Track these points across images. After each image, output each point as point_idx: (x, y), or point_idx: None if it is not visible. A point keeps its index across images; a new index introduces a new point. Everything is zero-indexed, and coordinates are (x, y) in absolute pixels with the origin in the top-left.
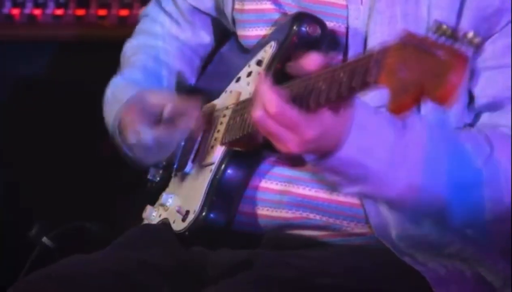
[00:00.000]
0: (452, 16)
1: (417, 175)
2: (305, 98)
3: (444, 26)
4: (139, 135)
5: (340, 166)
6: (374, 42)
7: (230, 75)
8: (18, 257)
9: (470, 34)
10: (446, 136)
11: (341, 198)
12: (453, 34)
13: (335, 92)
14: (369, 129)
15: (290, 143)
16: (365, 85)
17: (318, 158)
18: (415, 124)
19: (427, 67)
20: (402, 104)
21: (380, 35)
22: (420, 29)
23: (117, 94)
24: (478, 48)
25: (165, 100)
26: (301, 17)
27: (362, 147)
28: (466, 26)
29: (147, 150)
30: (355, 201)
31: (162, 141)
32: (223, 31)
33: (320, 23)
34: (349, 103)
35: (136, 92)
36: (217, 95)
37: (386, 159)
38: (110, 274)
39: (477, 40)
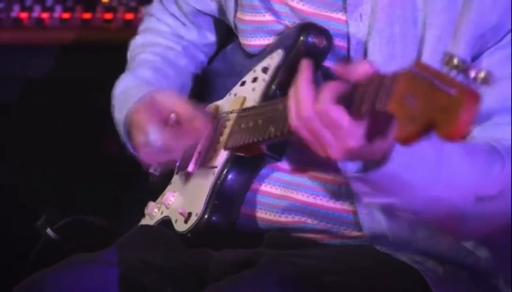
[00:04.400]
0: (446, 35)
1: (444, 189)
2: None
3: (455, 60)
4: (147, 136)
5: (380, 179)
6: (374, 60)
7: (234, 75)
8: (24, 248)
9: (482, 74)
10: (468, 147)
11: (337, 205)
12: (464, 68)
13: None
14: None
15: (331, 148)
16: (373, 110)
17: (360, 170)
18: None
19: (437, 101)
20: (409, 134)
21: (379, 53)
22: (416, 49)
23: (128, 93)
24: (488, 84)
25: (176, 103)
26: (308, 28)
27: (403, 162)
28: (462, 45)
29: (153, 151)
30: (350, 208)
31: (169, 144)
32: (229, 30)
33: (326, 35)
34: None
35: (147, 92)
36: (220, 94)
37: (419, 174)
38: (113, 274)
39: (488, 78)
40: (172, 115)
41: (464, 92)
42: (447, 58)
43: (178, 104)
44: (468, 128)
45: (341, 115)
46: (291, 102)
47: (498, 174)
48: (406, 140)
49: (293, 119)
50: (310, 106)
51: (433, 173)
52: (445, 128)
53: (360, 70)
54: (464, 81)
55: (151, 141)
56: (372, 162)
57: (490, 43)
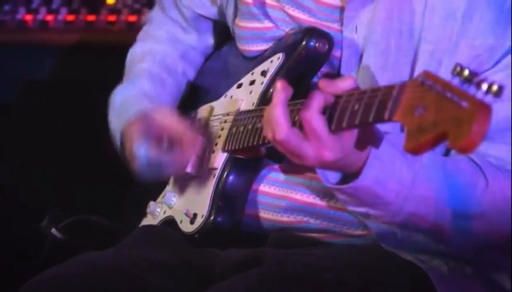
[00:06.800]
0: (440, 51)
1: (421, 206)
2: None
3: (466, 72)
4: (137, 155)
5: (354, 192)
6: (366, 72)
7: (229, 76)
8: (25, 248)
9: (495, 87)
10: (449, 166)
11: (339, 205)
12: (476, 81)
13: (349, 122)
14: (384, 160)
15: (307, 159)
16: (379, 120)
17: (339, 180)
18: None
19: (448, 113)
20: (419, 145)
21: (372, 65)
22: (409, 62)
23: (126, 104)
24: (500, 97)
25: (169, 125)
26: (311, 32)
27: (377, 178)
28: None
29: (143, 168)
30: None
31: (158, 164)
32: (227, 31)
33: (329, 40)
34: (372, 133)
35: (143, 108)
36: (213, 95)
37: (395, 191)
38: (119, 273)
39: (500, 91)
40: (165, 143)
41: (476, 105)
42: (458, 70)
43: (171, 125)
44: (480, 140)
45: (322, 127)
46: (265, 124)
47: (480, 194)
48: (416, 151)
49: (269, 140)
50: (285, 131)
51: (408, 190)
52: (458, 140)
53: (343, 85)
54: (475, 93)
55: (140, 159)
56: (348, 174)
57: (486, 65)
